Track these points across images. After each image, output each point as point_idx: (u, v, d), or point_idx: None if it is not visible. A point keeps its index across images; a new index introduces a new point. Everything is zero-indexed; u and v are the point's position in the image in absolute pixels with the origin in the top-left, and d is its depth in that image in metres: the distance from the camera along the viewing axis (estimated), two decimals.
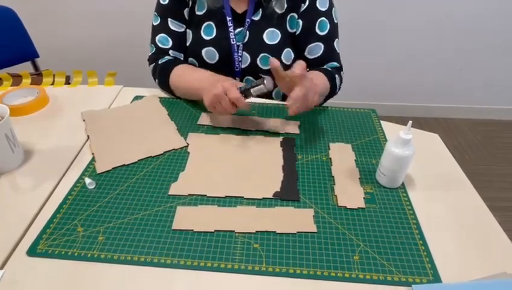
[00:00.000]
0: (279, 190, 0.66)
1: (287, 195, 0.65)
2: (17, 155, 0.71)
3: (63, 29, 1.92)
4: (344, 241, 0.58)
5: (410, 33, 1.93)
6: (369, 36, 1.94)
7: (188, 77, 0.86)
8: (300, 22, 0.89)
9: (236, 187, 0.66)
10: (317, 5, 0.89)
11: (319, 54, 0.91)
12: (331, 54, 0.92)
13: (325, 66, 0.93)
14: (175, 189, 0.66)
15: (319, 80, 0.84)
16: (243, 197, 0.65)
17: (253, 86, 0.72)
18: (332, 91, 0.89)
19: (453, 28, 1.91)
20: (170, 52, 0.93)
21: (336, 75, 0.90)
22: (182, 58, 0.95)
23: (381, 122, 0.86)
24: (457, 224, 0.61)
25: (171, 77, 0.88)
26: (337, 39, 0.93)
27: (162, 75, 0.90)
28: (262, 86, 0.71)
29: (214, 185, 0.67)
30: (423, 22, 1.90)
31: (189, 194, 0.65)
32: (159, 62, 0.91)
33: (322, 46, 0.90)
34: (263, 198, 0.65)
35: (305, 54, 0.92)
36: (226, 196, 0.65)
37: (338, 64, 0.94)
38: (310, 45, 0.91)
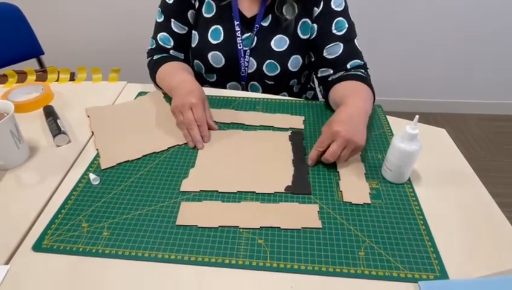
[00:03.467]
0: (290, 183, 0.66)
1: (299, 189, 0.65)
2: (22, 151, 0.71)
3: (67, 26, 1.92)
4: (349, 237, 0.57)
5: (417, 28, 1.91)
6: (375, 32, 1.92)
7: (170, 75, 0.86)
8: (315, 25, 0.87)
9: (247, 182, 0.66)
10: (332, 6, 0.86)
11: (339, 53, 0.87)
12: (352, 52, 0.88)
13: (347, 65, 0.88)
14: (186, 185, 0.66)
15: (360, 91, 0.81)
16: (254, 192, 0.64)
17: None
18: (374, 94, 0.86)
19: (460, 23, 1.88)
20: (171, 51, 0.94)
21: (369, 78, 0.87)
22: (182, 57, 0.95)
23: (387, 117, 0.85)
24: (465, 220, 0.61)
25: (158, 73, 0.89)
26: (356, 38, 0.89)
27: (152, 70, 0.92)
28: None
29: (225, 181, 0.66)
30: (430, 16, 1.87)
31: (200, 190, 0.65)
32: (154, 57, 0.93)
33: (342, 45, 0.87)
34: (275, 192, 0.64)
35: (324, 54, 0.88)
36: (238, 191, 0.64)
37: (361, 62, 0.89)
38: (328, 46, 0.87)
